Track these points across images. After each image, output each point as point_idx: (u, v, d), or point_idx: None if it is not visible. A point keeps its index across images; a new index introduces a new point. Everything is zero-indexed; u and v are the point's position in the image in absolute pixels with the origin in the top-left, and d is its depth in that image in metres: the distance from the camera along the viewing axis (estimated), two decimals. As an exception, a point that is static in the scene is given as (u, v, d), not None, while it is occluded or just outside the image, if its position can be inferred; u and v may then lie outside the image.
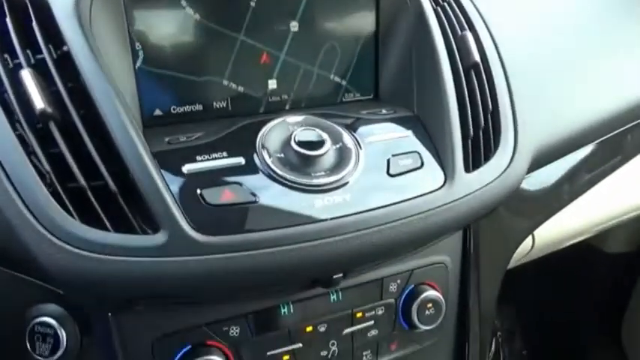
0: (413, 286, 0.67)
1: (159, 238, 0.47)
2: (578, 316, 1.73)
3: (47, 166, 0.48)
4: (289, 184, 0.53)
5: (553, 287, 1.81)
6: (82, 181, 0.48)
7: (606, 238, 1.53)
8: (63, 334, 0.53)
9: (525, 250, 0.87)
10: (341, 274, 0.58)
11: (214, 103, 0.62)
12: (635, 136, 0.90)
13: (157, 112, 0.60)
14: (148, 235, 0.48)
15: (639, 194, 1.01)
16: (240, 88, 0.63)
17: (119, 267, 0.46)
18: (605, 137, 0.84)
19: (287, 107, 0.65)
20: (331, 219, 0.52)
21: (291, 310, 0.62)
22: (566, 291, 1.75)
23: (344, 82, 0.68)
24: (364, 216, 0.54)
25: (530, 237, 0.86)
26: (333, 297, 0.64)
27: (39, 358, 0.53)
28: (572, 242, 1.07)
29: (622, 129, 0.85)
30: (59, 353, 0.53)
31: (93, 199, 0.48)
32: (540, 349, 1.86)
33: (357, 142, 0.59)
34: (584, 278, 1.66)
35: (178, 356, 0.57)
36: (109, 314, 0.54)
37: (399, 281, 0.66)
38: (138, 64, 0.58)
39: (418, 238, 0.56)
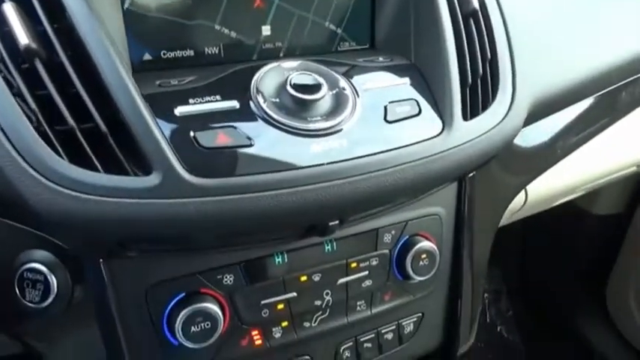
0: (407, 237, 0.67)
1: (152, 179, 0.46)
2: (563, 277, 1.76)
3: (35, 108, 0.46)
4: (285, 128, 0.52)
5: (540, 249, 1.84)
6: (71, 121, 0.46)
7: (594, 199, 1.55)
8: (53, 281, 0.52)
9: (518, 205, 0.87)
10: (337, 222, 0.57)
11: (206, 49, 0.60)
12: (629, 92, 0.90)
13: (147, 56, 0.58)
14: (141, 177, 0.46)
15: (631, 152, 1.01)
16: (233, 34, 0.61)
17: (111, 208, 0.45)
18: (601, 92, 0.83)
19: (281, 55, 0.63)
20: (327, 164, 0.51)
21: (285, 260, 0.61)
22: (552, 253, 1.78)
23: (339, 31, 0.66)
24: (361, 161, 0.53)
25: (523, 192, 0.86)
26: (328, 247, 0.63)
27: (29, 304, 0.52)
28: (564, 200, 1.07)
29: (619, 84, 0.84)
30: (50, 299, 0.52)
31: (83, 141, 0.46)
32: (526, 310, 1.90)
33: (354, 88, 0.58)
34: (571, 240, 1.68)
35: (172, 304, 0.56)
36: (101, 261, 0.53)
37: (393, 232, 0.66)
38: (126, 5, 0.56)
39: (415, 185, 0.56)
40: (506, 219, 0.88)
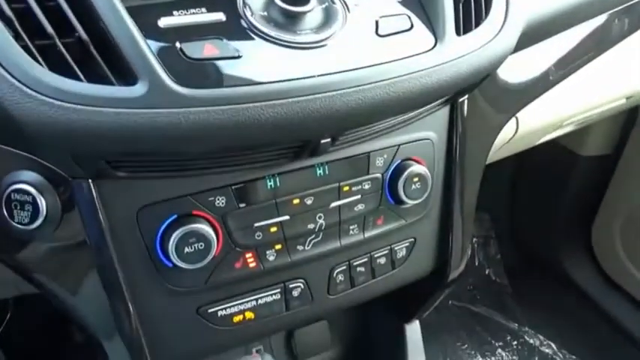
0: (399, 161, 0.67)
1: (137, 89, 0.45)
2: (551, 220, 1.79)
3: (11, 15, 0.44)
4: (274, 41, 0.50)
5: (527, 193, 1.87)
6: (51, 31, 0.44)
7: (583, 141, 1.56)
8: (42, 202, 0.51)
9: (509, 135, 0.87)
10: (328, 140, 0.56)
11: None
12: (622, 21, 0.89)
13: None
14: (126, 87, 0.45)
15: (620, 83, 1.01)
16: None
17: (95, 118, 0.43)
18: (593, 19, 0.82)
19: None
20: (319, 76, 0.50)
21: (277, 183, 0.61)
22: (541, 196, 1.80)
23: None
24: (351, 74, 0.52)
25: (514, 122, 0.86)
26: (320, 171, 0.63)
27: (18, 226, 0.52)
28: (554, 134, 1.07)
29: (613, 10, 0.83)
30: (39, 221, 0.52)
31: (63, 51, 0.45)
32: (514, 254, 1.94)
33: (344, 2, 0.56)
34: (559, 183, 1.70)
35: (164, 225, 0.56)
36: (91, 182, 0.52)
37: (385, 156, 0.66)
38: None
39: (406, 100, 0.55)
40: (497, 148, 0.88)
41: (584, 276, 1.75)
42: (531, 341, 1.72)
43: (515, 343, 1.72)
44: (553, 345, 1.70)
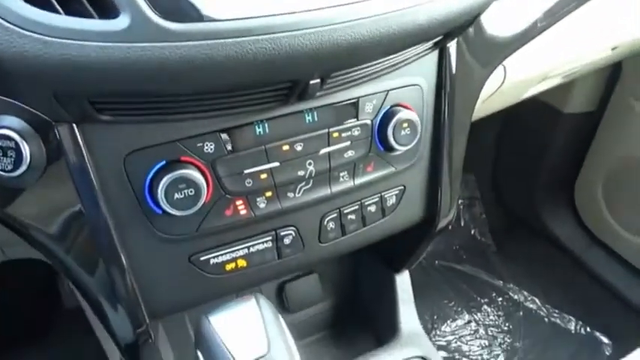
0: (389, 107, 0.66)
1: (120, 22, 0.43)
2: (534, 179, 1.82)
3: None
4: (260, -24, 0.49)
5: (511, 153, 1.88)
6: None
7: (567, 98, 1.57)
8: (25, 148, 0.49)
9: (496, 84, 0.87)
10: (317, 80, 0.55)
11: None
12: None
13: None
14: (108, 20, 0.43)
15: (606, 35, 1.01)
16: None
17: (76, 52, 0.42)
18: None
19: None
20: (306, 11, 0.49)
21: (266, 129, 0.60)
22: (524, 156, 1.82)
23: None
24: (342, 9, 0.50)
25: (502, 72, 0.85)
26: (309, 117, 0.62)
27: (2, 173, 0.50)
28: (539, 87, 1.08)
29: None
30: (23, 168, 0.50)
31: None
32: (498, 213, 1.97)
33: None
34: (541, 142, 1.72)
35: (152, 172, 0.55)
36: (75, 126, 0.51)
37: (374, 102, 0.65)
38: None
39: (396, 37, 0.54)
40: (485, 99, 0.88)
41: (567, 233, 1.79)
42: (516, 297, 1.77)
43: (500, 299, 1.76)
44: (537, 300, 1.75)
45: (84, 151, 0.52)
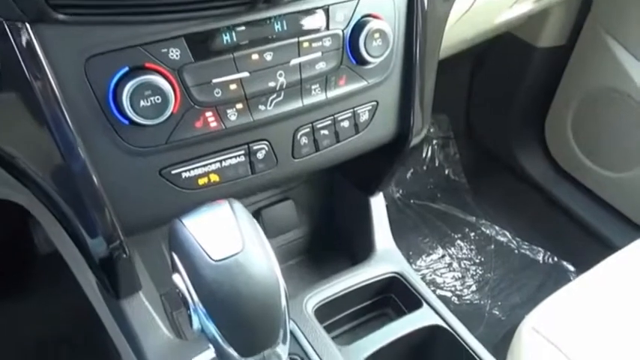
0: (360, 17, 0.65)
1: None
2: (506, 117, 1.83)
3: None
4: None
5: (484, 91, 1.89)
6: None
7: (537, 32, 1.57)
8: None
9: (466, 4, 0.86)
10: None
11: None
12: None
13: None
14: None
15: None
16: None
17: None
18: None
19: None
20: None
21: (234, 37, 0.58)
22: (496, 93, 1.83)
23: None
24: None
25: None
26: (278, 26, 0.61)
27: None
28: (509, 14, 1.07)
29: None
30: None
31: None
32: (472, 153, 2.00)
33: None
34: (513, 78, 1.72)
35: (115, 78, 0.53)
36: (28, 26, 0.48)
37: (345, 11, 0.64)
38: None
39: None
40: (456, 20, 0.86)
41: (538, 169, 1.83)
42: (488, 232, 1.82)
43: (472, 234, 1.82)
44: (507, 234, 1.81)
45: (40, 55, 0.50)
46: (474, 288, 1.67)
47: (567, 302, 0.91)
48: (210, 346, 0.50)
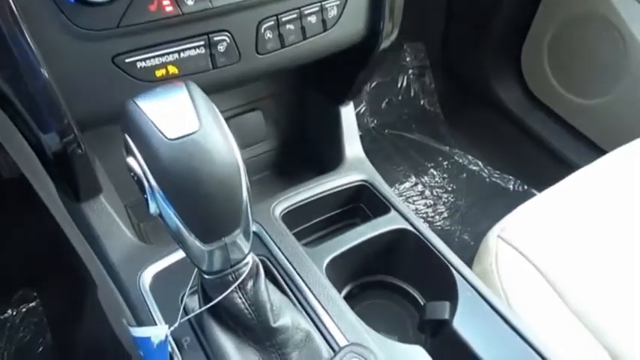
0: None
1: None
2: (483, 47, 1.80)
3: None
4: None
5: (461, 20, 1.85)
6: None
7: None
8: None
9: None
10: None
11: None
12: None
13: None
14: None
15: None
16: None
17: None
18: None
19: None
20: None
21: None
22: (473, 23, 1.79)
23: None
24: None
25: None
26: None
27: None
28: None
29: None
30: None
31: None
32: (448, 83, 1.98)
33: None
34: (490, 6, 1.68)
35: None
36: None
37: None
38: None
39: None
40: None
41: (513, 99, 1.82)
42: (460, 161, 1.83)
43: (445, 163, 1.83)
44: (480, 163, 1.83)
45: None
46: (445, 215, 1.69)
47: (533, 213, 0.93)
48: (176, 248, 0.49)
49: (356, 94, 0.84)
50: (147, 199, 0.46)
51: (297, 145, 0.97)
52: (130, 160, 0.46)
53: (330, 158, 0.86)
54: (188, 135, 0.44)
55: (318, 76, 0.78)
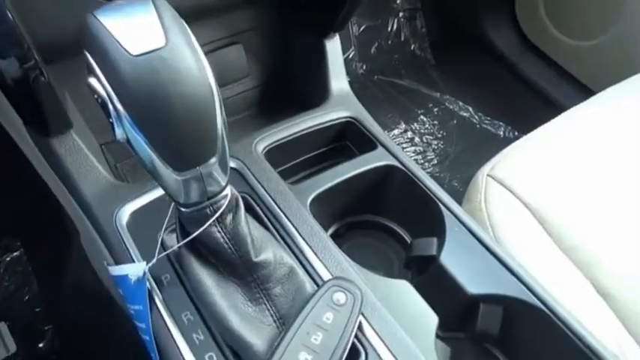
0: None
1: None
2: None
3: None
4: None
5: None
6: None
7: None
8: None
9: None
10: None
11: None
12: None
13: None
14: None
15: None
16: None
17: None
18: None
19: None
20: None
21: None
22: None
23: None
24: None
25: None
26: None
27: None
28: None
29: None
30: None
31: None
32: (439, 27, 1.92)
33: None
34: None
35: None
36: None
37: None
38: None
39: None
40: None
41: (506, 42, 1.77)
42: (451, 107, 1.80)
43: (436, 109, 1.79)
44: (470, 109, 1.79)
45: None
46: (435, 162, 1.67)
47: (522, 152, 0.91)
48: (154, 185, 0.45)
49: (342, 25, 0.79)
50: (112, 124, 0.43)
51: (281, 82, 0.93)
52: (92, 80, 0.42)
53: (315, 95, 0.82)
54: (153, 51, 0.40)
55: (302, 5, 0.73)
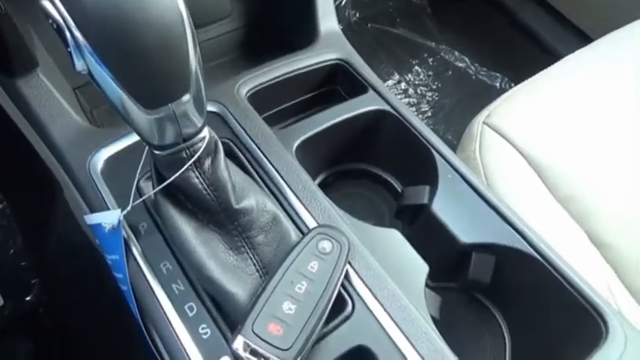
0: None
1: None
2: None
3: None
4: None
5: None
6: None
7: None
8: None
9: None
10: None
11: None
12: None
13: None
14: None
15: None
16: None
17: None
18: None
19: None
20: None
21: None
22: None
23: None
24: None
25: None
26: None
27: None
28: None
29: None
30: None
31: None
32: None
33: None
34: None
35: None
36: None
37: None
38: None
39: None
40: None
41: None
42: (446, 57, 1.74)
43: (431, 59, 1.73)
44: (466, 59, 1.73)
45: None
46: (429, 114, 1.63)
47: (518, 99, 0.87)
48: (130, 131, 0.41)
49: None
50: (70, 53, 0.39)
51: (266, 22, 0.87)
52: (45, 2, 0.38)
53: (303, 36, 0.77)
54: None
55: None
